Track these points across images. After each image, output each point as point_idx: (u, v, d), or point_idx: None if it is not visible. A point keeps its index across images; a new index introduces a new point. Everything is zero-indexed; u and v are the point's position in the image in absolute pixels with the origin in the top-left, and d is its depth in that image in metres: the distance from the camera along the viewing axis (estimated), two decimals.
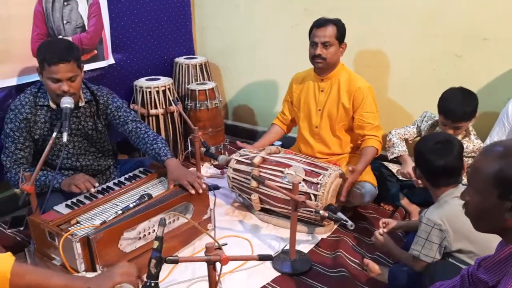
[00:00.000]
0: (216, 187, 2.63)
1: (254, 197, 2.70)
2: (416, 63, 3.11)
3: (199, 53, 4.15)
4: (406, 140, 2.81)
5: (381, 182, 2.81)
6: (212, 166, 3.52)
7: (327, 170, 2.57)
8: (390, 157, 2.79)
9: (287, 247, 2.40)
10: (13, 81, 2.70)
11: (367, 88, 2.76)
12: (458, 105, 2.50)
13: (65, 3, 2.89)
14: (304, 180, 2.49)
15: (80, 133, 2.57)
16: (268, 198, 2.66)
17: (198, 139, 2.70)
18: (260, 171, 2.66)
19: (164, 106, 3.41)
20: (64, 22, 2.91)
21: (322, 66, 2.75)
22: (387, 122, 2.99)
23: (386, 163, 3.01)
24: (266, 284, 2.24)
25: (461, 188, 1.91)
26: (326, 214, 2.31)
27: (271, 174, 2.62)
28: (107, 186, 2.46)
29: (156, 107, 3.39)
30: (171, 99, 3.39)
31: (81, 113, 2.53)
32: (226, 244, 1.84)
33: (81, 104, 2.50)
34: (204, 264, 1.73)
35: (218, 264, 1.72)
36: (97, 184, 2.39)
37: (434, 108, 2.62)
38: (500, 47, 2.80)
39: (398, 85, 3.25)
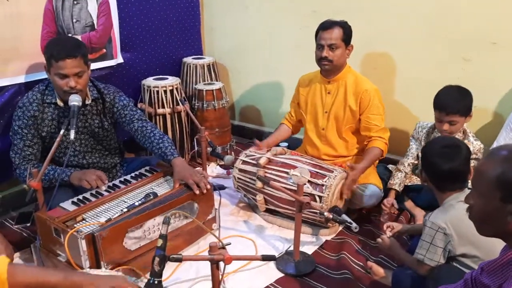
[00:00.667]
0: (221, 187, 2.65)
1: (259, 197, 2.70)
2: (423, 66, 3.10)
3: (207, 53, 4.16)
4: (418, 157, 2.80)
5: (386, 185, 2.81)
6: (218, 166, 3.52)
7: (332, 172, 2.57)
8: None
9: (291, 248, 2.40)
10: (21, 79, 2.72)
11: (373, 90, 2.75)
12: (451, 98, 2.54)
13: (75, 2, 2.91)
14: (309, 181, 2.49)
15: (87, 131, 2.59)
16: (273, 199, 2.66)
17: (205, 139, 2.70)
18: (266, 172, 2.66)
19: (171, 106, 3.43)
20: (74, 20, 2.93)
21: (329, 68, 2.75)
22: (392, 124, 2.98)
23: (389, 167, 3.01)
24: (270, 284, 2.24)
25: (466, 192, 1.90)
26: (331, 216, 2.31)
27: (276, 175, 2.62)
28: (113, 184, 2.47)
29: (163, 107, 3.41)
30: (178, 98, 3.40)
31: (87, 111, 2.55)
32: (230, 244, 1.86)
33: (88, 102, 2.51)
34: (208, 264, 1.74)
35: (221, 264, 1.73)
36: (107, 181, 2.41)
37: None
38: (509, 51, 2.78)
39: (405, 88, 3.24)
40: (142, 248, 2.20)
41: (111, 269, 2.06)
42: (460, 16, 2.88)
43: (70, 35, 2.91)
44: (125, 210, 2.17)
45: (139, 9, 3.42)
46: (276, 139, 3.08)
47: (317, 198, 2.50)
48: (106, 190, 2.40)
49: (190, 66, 3.77)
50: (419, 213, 2.75)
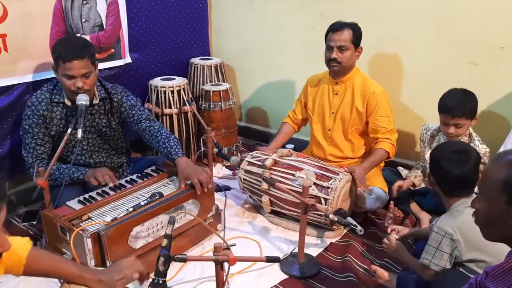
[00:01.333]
0: (227, 188, 2.64)
1: (265, 199, 2.70)
2: (431, 70, 3.09)
3: (215, 54, 4.17)
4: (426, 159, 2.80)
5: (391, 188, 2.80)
6: (224, 167, 3.53)
7: (338, 174, 2.57)
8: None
9: (296, 250, 2.40)
10: (30, 77, 2.74)
11: (381, 93, 2.75)
12: (457, 101, 2.53)
13: (84, 2, 2.93)
14: (314, 183, 2.50)
15: (94, 130, 2.60)
16: (279, 201, 2.66)
17: (211, 139, 2.71)
18: (271, 173, 2.66)
19: (178, 106, 3.44)
20: (83, 20, 2.95)
21: (338, 70, 2.75)
22: (398, 127, 2.97)
23: (398, 169, 3.00)
24: (274, 286, 2.24)
25: (473, 197, 1.89)
26: (336, 219, 2.31)
27: (282, 177, 2.63)
28: (119, 184, 2.48)
29: (170, 107, 3.42)
30: (185, 99, 3.41)
31: (95, 111, 2.57)
32: (235, 245, 1.85)
33: (95, 101, 2.53)
34: (213, 265, 1.74)
35: (226, 265, 1.73)
36: (116, 182, 2.42)
37: None
38: None
39: (412, 91, 3.23)
40: (146, 247, 2.21)
41: None
42: (468, 20, 2.87)
43: (79, 34, 2.92)
44: (130, 209, 2.18)
45: (147, 10, 3.44)
46: (280, 142, 3.08)
47: (322, 201, 2.49)
48: (112, 190, 2.41)
49: (197, 66, 3.79)
50: (424, 216, 2.74)
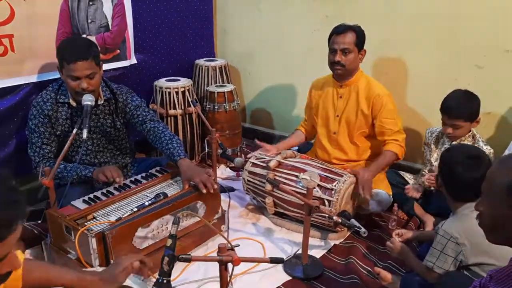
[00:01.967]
0: (231, 189, 2.65)
1: (269, 200, 2.71)
2: (435, 72, 3.08)
3: (220, 55, 4.18)
4: (430, 162, 2.80)
5: (395, 190, 2.79)
6: (228, 168, 3.54)
7: (342, 176, 2.57)
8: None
9: (300, 251, 2.40)
10: (36, 78, 2.76)
11: (386, 95, 2.74)
12: (455, 102, 2.56)
13: (90, 3, 2.95)
14: (318, 185, 2.49)
15: (99, 131, 2.61)
16: (282, 202, 2.67)
17: (215, 140, 2.71)
18: (275, 175, 2.67)
19: (183, 107, 3.45)
20: (89, 21, 2.97)
21: (341, 73, 2.75)
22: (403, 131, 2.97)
23: (401, 172, 3.00)
24: (277, 287, 2.24)
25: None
26: (340, 220, 2.31)
27: (286, 178, 2.63)
28: (124, 184, 2.49)
29: (175, 108, 3.43)
30: (190, 100, 3.42)
31: (100, 111, 2.58)
32: (239, 246, 1.86)
33: (100, 102, 2.54)
34: (217, 265, 1.75)
35: (230, 265, 1.73)
36: (122, 181, 2.43)
37: None
38: None
39: (416, 93, 3.23)
40: (151, 247, 2.22)
41: None
42: (473, 23, 2.87)
43: (85, 35, 2.94)
44: (135, 209, 2.19)
45: (153, 11, 3.45)
46: (287, 144, 3.07)
47: (326, 202, 2.50)
48: (117, 190, 2.42)
49: (202, 68, 3.79)
50: (428, 219, 2.73)
